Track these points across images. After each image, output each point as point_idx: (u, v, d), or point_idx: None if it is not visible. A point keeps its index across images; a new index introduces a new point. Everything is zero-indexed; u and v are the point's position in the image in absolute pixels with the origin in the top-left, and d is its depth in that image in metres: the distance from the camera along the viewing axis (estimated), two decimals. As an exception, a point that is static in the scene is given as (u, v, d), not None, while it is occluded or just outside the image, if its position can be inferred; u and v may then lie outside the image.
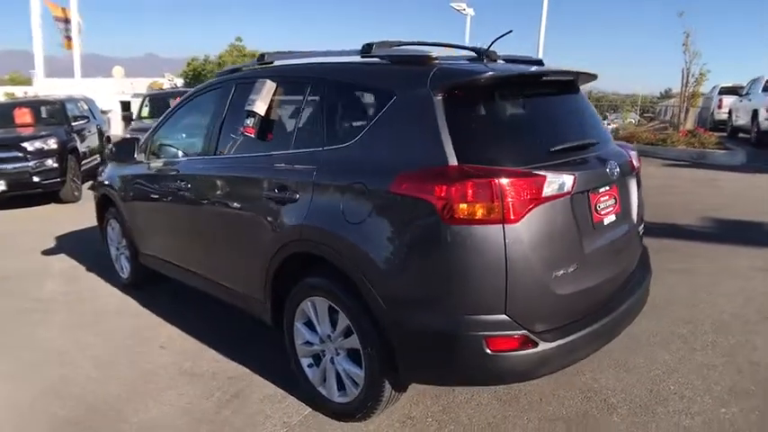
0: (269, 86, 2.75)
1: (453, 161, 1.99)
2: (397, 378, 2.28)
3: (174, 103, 9.94)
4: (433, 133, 2.04)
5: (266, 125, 2.75)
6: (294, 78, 2.82)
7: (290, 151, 2.58)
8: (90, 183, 6.34)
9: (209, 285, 3.30)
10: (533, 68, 2.43)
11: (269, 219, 2.60)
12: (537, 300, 2.01)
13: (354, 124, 2.38)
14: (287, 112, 2.79)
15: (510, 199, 1.91)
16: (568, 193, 2.08)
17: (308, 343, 2.59)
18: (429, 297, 2.03)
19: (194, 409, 2.67)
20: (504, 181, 1.92)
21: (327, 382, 2.52)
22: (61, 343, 3.46)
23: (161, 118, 3.78)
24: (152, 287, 4.25)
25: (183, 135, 3.59)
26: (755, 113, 12.19)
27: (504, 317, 1.96)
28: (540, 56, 16.17)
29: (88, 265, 4.98)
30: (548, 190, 1.99)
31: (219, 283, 3.17)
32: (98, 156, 9.78)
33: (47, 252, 5.45)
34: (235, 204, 2.88)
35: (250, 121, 2.74)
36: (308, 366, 2.63)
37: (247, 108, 2.75)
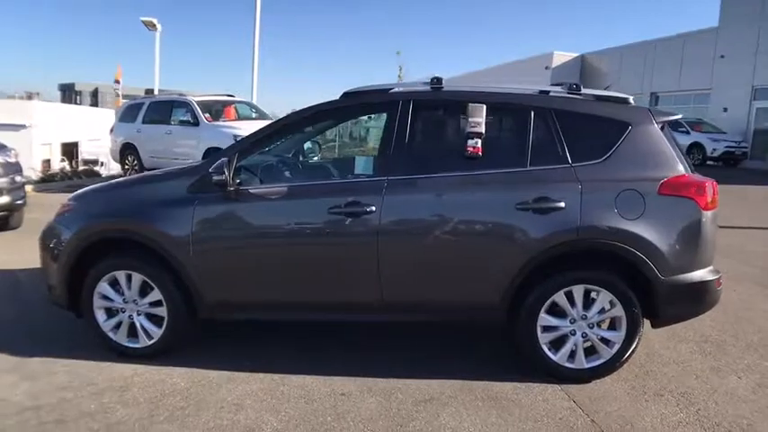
0: (485, 110, 3.04)
1: (687, 171, 3.03)
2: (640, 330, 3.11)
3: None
4: (671, 153, 3.04)
5: (488, 145, 3.03)
6: (514, 105, 3.17)
7: (533, 168, 3.01)
8: None
9: (388, 311, 3.17)
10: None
11: (521, 228, 2.96)
12: (713, 254, 3.25)
13: (595, 146, 3.06)
14: (508, 134, 3.13)
15: (716, 193, 3.11)
16: None
17: (551, 328, 3.08)
18: (692, 260, 3.01)
19: (485, 419, 2.76)
20: (715, 184, 3.10)
21: (577, 355, 3.09)
22: (204, 422, 2.60)
23: (246, 141, 3.18)
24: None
25: (318, 157, 3.20)
26: None
27: (712, 266, 3.14)
28: (255, 76, 17.07)
29: (24, 352, 3.34)
30: None
31: (413, 303, 3.15)
32: None
33: None
34: (464, 219, 3.02)
35: (477, 142, 2.98)
36: (549, 350, 3.11)
37: (473, 130, 2.98)
